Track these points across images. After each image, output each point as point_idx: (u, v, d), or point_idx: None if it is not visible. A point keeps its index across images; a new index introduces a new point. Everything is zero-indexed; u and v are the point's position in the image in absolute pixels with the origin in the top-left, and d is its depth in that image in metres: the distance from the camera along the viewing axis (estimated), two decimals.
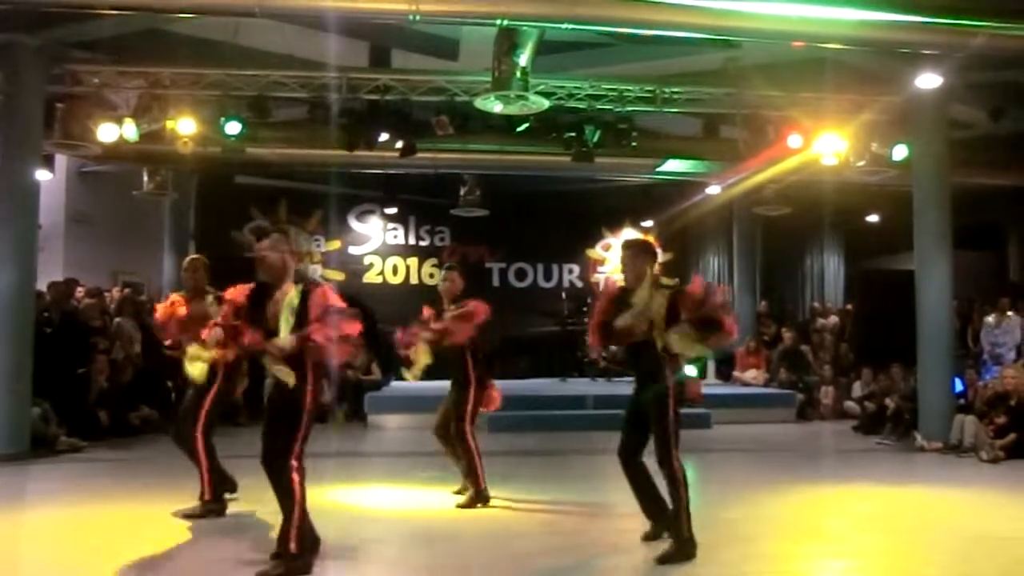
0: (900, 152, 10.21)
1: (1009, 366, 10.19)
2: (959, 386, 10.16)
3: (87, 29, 8.81)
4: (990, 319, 11.80)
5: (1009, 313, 11.64)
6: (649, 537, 5.23)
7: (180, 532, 5.68)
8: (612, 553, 5.26)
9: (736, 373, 14.11)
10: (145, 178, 12.46)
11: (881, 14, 7.13)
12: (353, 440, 10.37)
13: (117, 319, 11.08)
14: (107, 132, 9.55)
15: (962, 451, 9.00)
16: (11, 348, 8.55)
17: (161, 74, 9.59)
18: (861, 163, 10.54)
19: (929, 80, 9.09)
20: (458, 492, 6.55)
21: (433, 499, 6.60)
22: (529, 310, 15.19)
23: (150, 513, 6.12)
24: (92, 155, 10.84)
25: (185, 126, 9.83)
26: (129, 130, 9.65)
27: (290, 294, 4.55)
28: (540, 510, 6.40)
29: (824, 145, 10.29)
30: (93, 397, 9.69)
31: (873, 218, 15.74)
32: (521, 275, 16.73)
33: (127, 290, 12.62)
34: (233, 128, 9.81)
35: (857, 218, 15.89)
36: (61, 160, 12.21)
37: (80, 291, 11.15)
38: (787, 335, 13.87)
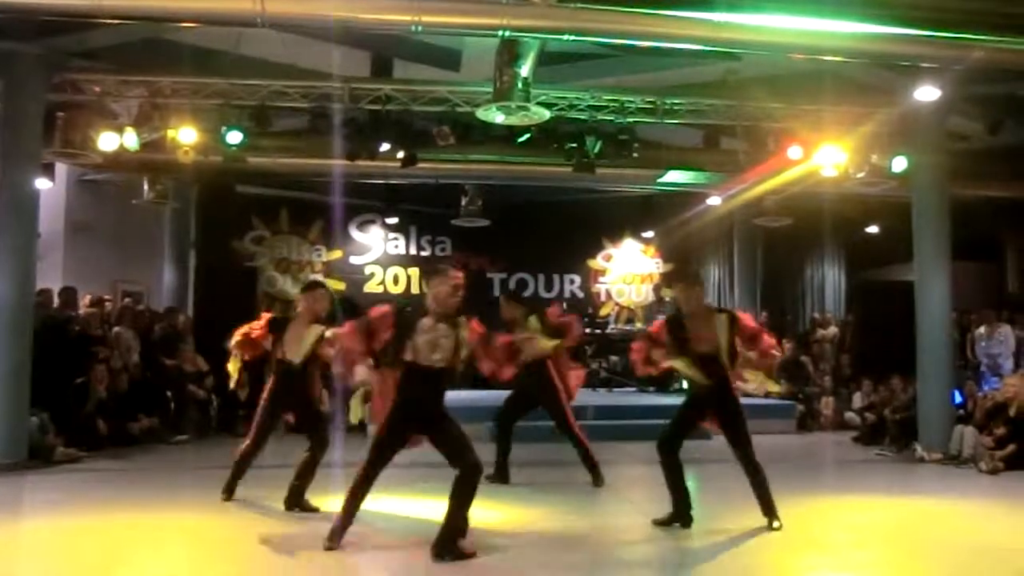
0: (899, 164, 10.23)
1: (1011, 375, 10.20)
2: (958, 397, 10.16)
3: (88, 38, 8.82)
4: (981, 331, 11.87)
5: (998, 323, 11.73)
6: (662, 522, 5.94)
7: (179, 541, 5.67)
8: (615, 564, 5.24)
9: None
10: (145, 187, 12.46)
11: (881, 27, 7.14)
12: (354, 450, 10.32)
13: (116, 328, 11.07)
14: (108, 141, 9.56)
15: (961, 462, 9.01)
16: (9, 357, 8.52)
17: (162, 83, 9.61)
18: (861, 175, 10.54)
19: (928, 93, 9.14)
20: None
21: (434, 509, 6.57)
22: None
23: (149, 523, 6.10)
24: (92, 164, 10.85)
25: (186, 135, 9.86)
26: (130, 139, 9.67)
27: None
28: (539, 520, 6.38)
29: (824, 157, 10.31)
30: (92, 407, 9.66)
31: (873, 229, 15.75)
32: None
33: (127, 299, 12.62)
34: (234, 137, 9.84)
35: (857, 229, 15.90)
36: (61, 169, 12.20)
37: (85, 299, 11.15)
38: (787, 346, 13.82)
